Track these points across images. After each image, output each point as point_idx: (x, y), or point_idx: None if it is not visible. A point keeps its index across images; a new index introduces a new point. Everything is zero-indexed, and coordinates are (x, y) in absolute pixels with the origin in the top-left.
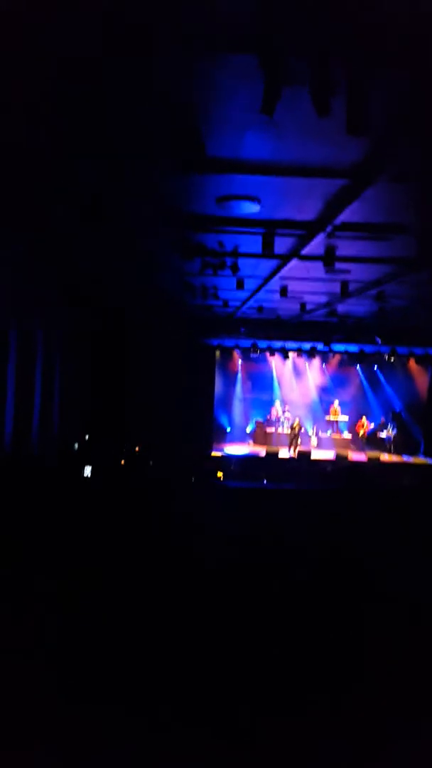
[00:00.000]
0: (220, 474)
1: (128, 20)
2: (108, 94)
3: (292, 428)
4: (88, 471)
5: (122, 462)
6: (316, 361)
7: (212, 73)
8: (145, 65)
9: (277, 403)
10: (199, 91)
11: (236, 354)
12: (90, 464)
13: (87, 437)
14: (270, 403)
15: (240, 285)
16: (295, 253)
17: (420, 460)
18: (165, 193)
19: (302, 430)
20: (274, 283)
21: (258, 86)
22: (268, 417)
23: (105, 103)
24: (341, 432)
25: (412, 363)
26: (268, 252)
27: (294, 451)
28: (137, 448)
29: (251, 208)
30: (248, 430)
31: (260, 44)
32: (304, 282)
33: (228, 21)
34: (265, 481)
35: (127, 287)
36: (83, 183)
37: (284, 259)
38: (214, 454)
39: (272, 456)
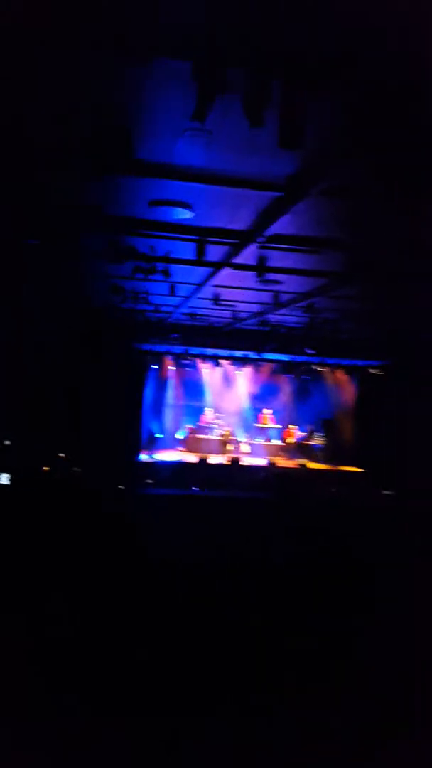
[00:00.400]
0: (149, 481)
1: (60, 14)
2: (36, 91)
3: (222, 435)
4: (5, 479)
5: (46, 468)
6: (248, 370)
7: (145, 76)
8: (75, 63)
9: (208, 410)
10: (130, 93)
11: (168, 360)
12: (8, 472)
13: (7, 443)
14: (201, 410)
15: (172, 291)
16: (227, 261)
17: (347, 467)
18: (94, 193)
19: (232, 438)
20: (207, 291)
21: (192, 92)
22: (199, 424)
23: (34, 100)
24: (271, 439)
25: (340, 374)
26: (200, 259)
27: (225, 457)
28: (61, 454)
29: (184, 215)
30: (179, 436)
31: (195, 51)
32: (237, 291)
33: (164, 24)
34: (194, 488)
35: (53, 288)
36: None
37: (216, 267)
38: (143, 459)
39: (203, 462)
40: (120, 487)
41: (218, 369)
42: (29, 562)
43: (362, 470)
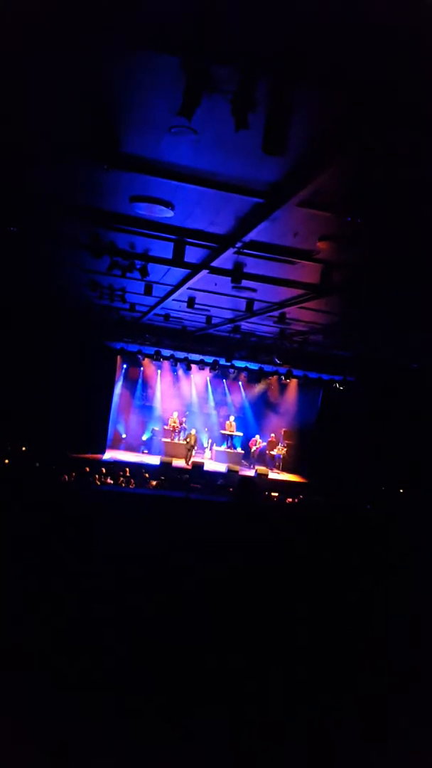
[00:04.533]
0: (110, 480)
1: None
2: (22, 79)
3: (187, 440)
4: None
5: (6, 461)
6: (217, 376)
7: (134, 68)
8: (63, 52)
9: (175, 414)
10: (118, 85)
11: (138, 360)
12: None
13: None
14: (168, 413)
15: (148, 290)
16: (204, 264)
17: (305, 479)
18: (75, 184)
19: (196, 442)
20: (183, 293)
21: (180, 88)
22: (165, 427)
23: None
24: (234, 447)
25: (305, 386)
26: (178, 260)
27: (188, 461)
28: (24, 448)
29: (164, 213)
30: (144, 437)
31: (185, 47)
32: (212, 296)
33: (155, 17)
34: (154, 484)
35: (27, 278)
36: None
37: (194, 269)
38: (107, 458)
39: (166, 465)
40: (82, 482)
41: (188, 373)
42: None
43: (315, 481)
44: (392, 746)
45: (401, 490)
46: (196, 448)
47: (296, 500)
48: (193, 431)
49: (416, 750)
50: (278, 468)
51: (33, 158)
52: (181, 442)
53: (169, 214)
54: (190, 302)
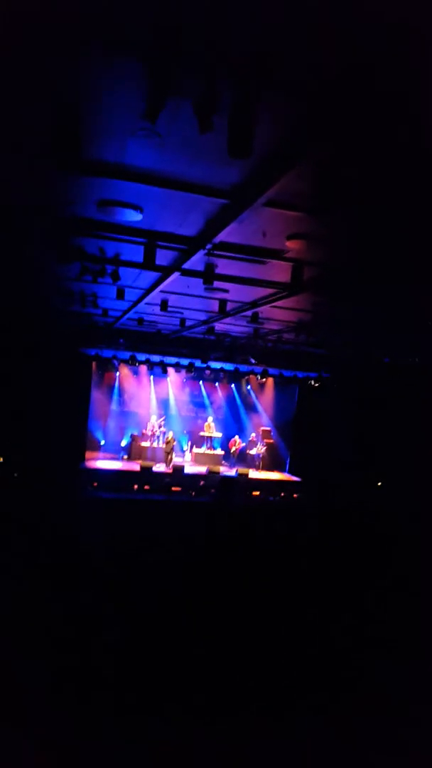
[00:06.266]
0: (93, 485)
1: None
2: None
3: (166, 443)
4: None
5: None
6: (193, 377)
7: (97, 73)
8: (26, 57)
9: (153, 418)
10: (82, 90)
11: (114, 365)
12: None
13: None
14: (146, 417)
15: (120, 295)
16: (176, 267)
17: (285, 476)
18: (41, 190)
19: (174, 444)
20: (155, 296)
21: (144, 92)
22: (144, 431)
23: None
24: (214, 448)
25: (281, 384)
26: (149, 263)
27: (168, 465)
28: (0, 459)
29: (133, 216)
30: (123, 443)
31: (148, 51)
32: (185, 298)
33: (119, 22)
34: (135, 488)
35: None
36: None
37: (165, 271)
38: (87, 465)
39: (146, 470)
40: (63, 491)
41: (164, 376)
42: None
43: (297, 479)
44: (391, 744)
45: (379, 483)
46: (174, 451)
47: (278, 498)
48: (171, 434)
49: (413, 750)
50: (259, 467)
51: None
52: (160, 446)
53: (138, 217)
54: (163, 305)
